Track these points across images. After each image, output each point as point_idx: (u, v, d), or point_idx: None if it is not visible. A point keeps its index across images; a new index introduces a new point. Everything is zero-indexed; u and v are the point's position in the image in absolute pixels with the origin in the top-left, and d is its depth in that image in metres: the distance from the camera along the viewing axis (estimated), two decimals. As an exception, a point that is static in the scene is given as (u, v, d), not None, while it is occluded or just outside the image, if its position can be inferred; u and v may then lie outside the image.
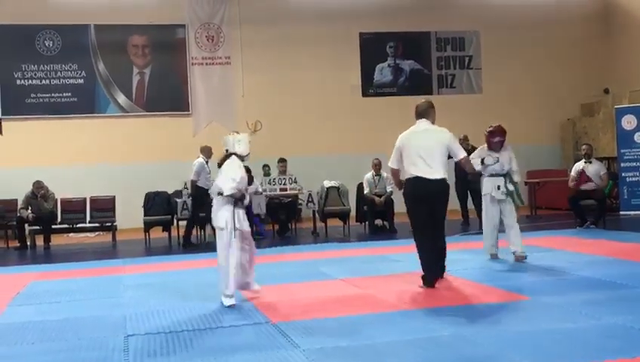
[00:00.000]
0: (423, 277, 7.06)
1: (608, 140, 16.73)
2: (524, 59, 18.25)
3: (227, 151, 7.00)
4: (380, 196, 13.18)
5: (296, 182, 13.50)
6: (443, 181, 7.07)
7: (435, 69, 18.26)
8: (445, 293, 6.79)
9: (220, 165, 7.00)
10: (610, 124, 16.32)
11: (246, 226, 6.77)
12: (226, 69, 17.12)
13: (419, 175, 7.01)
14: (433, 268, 7.07)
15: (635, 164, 14.69)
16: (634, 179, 14.63)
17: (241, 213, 6.73)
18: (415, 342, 5.03)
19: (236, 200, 6.64)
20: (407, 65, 18.18)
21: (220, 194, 6.66)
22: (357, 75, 17.81)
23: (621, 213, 14.45)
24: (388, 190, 13.20)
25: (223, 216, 6.63)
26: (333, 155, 15.60)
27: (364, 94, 17.87)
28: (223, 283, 6.61)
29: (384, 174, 13.33)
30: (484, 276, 7.59)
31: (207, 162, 12.38)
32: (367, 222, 13.49)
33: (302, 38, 17.18)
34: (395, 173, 7.51)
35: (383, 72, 18.05)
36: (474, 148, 13.87)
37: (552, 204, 15.93)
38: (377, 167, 13.35)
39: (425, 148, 7.05)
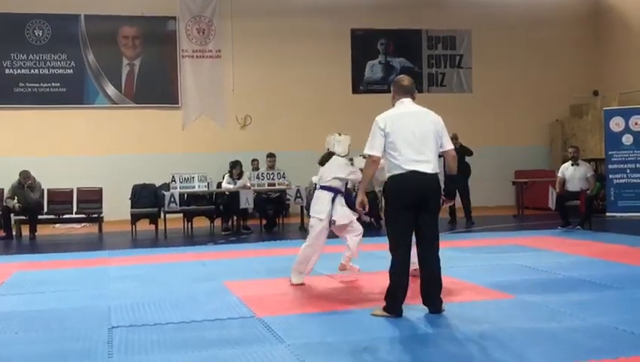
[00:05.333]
0: (389, 306, 5.65)
1: (596, 142, 16.81)
2: (515, 59, 18.29)
3: (328, 150, 7.64)
4: (366, 193, 13.16)
5: (284, 177, 13.50)
6: (437, 177, 5.67)
7: (426, 67, 18.28)
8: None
9: (321, 163, 7.64)
10: (598, 126, 16.39)
11: (344, 220, 7.33)
12: (216, 63, 17.07)
13: (411, 168, 5.53)
14: (404, 294, 5.67)
15: (622, 165, 14.76)
16: (621, 180, 14.70)
17: (338, 206, 7.28)
18: (399, 339, 5.04)
19: (336, 194, 7.28)
20: (398, 63, 18.18)
21: (323, 187, 7.38)
22: (348, 71, 17.81)
23: (607, 214, 14.51)
24: (376, 189, 13.20)
25: (322, 208, 7.28)
26: (322, 152, 15.53)
27: (355, 91, 17.86)
28: (301, 264, 7.28)
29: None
30: (470, 274, 7.60)
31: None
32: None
33: (293, 33, 17.15)
34: (376, 162, 5.74)
35: (373, 69, 18.05)
36: (462, 147, 13.99)
37: (539, 204, 16.00)
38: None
39: (417, 135, 5.60)
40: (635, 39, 17.19)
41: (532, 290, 6.65)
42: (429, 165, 5.59)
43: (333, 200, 7.28)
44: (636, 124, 14.78)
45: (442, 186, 5.97)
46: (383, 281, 7.29)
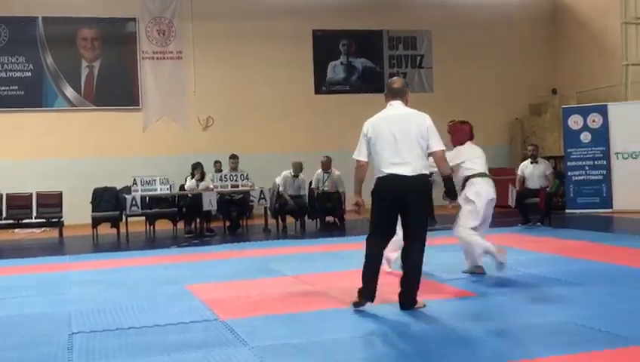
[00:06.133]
0: (360, 291, 5.91)
1: (555, 139, 17.06)
2: (474, 59, 18.46)
3: None
4: (329, 194, 13.26)
5: (247, 178, 13.45)
6: (421, 178, 5.75)
7: (387, 68, 18.36)
8: (392, 289, 6.80)
9: None
10: (557, 124, 16.64)
11: None
12: (177, 64, 16.94)
13: (390, 172, 5.71)
14: (374, 283, 5.86)
15: (581, 163, 15.05)
16: (580, 178, 14.98)
17: None
18: (364, 338, 5.05)
19: None
20: (360, 63, 18.24)
21: None
22: (310, 72, 17.81)
23: (567, 211, 14.76)
24: (340, 190, 13.28)
25: None
26: (285, 152, 15.55)
27: (317, 92, 17.88)
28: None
29: (336, 172, 13.40)
30: (432, 273, 7.64)
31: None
32: (318, 219, 13.54)
33: (254, 35, 17.09)
34: (363, 166, 5.93)
35: (335, 70, 18.08)
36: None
37: (500, 202, 16.12)
38: (326, 164, 13.41)
39: (399, 137, 5.73)
40: (591, 38, 17.49)
41: (493, 288, 6.73)
42: (407, 167, 5.70)
43: None
44: (594, 121, 15.08)
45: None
46: (347, 281, 7.33)
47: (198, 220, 13.20)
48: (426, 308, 5.83)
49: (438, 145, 5.84)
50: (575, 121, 15.28)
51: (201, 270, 8.68)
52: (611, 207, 14.60)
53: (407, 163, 5.70)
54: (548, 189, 12.35)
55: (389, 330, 5.25)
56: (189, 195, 13.16)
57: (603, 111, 15.00)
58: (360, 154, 5.92)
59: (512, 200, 12.51)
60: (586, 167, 15.00)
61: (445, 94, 18.24)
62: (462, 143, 7.67)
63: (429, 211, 6.05)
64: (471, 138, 7.76)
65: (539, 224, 12.20)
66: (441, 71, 18.42)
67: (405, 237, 5.89)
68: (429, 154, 5.86)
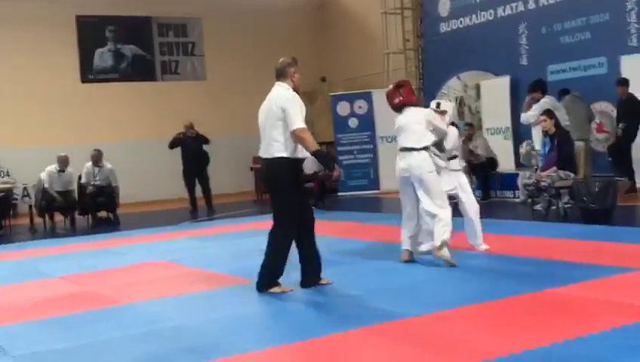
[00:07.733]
0: None
1: (326, 126, 17.68)
2: (246, 47, 18.57)
3: None
4: (101, 188, 12.64)
5: (8, 175, 12.51)
6: (274, 160, 5.69)
7: (158, 55, 17.95)
8: (168, 283, 6.67)
9: None
10: (327, 111, 17.26)
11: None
12: None
13: (260, 155, 5.94)
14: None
15: (350, 147, 15.76)
16: (349, 162, 15.68)
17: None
18: (137, 336, 4.83)
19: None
20: (129, 51, 17.65)
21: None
22: (75, 59, 16.91)
23: (339, 194, 15.39)
24: (112, 183, 12.75)
25: None
26: (51, 145, 14.61)
27: (84, 80, 17.02)
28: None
29: (108, 165, 12.84)
30: (209, 262, 7.61)
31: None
32: (89, 215, 12.92)
33: (13, 18, 15.85)
34: None
35: (103, 57, 17.34)
36: (199, 136, 13.93)
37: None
38: (96, 157, 12.77)
39: (263, 120, 5.84)
40: (356, 28, 18.33)
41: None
42: (265, 149, 5.75)
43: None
44: (360, 107, 15.86)
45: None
46: (120, 278, 7.08)
47: (-48, 223, 12.04)
48: (201, 299, 5.77)
49: (294, 123, 5.57)
50: (343, 108, 15.96)
51: (-44, 277, 7.90)
52: (379, 189, 15.45)
53: (265, 145, 5.76)
54: (320, 174, 12.75)
55: (164, 326, 5.06)
56: (-59, 196, 11.96)
57: (368, 97, 15.79)
58: None
59: None
60: (355, 152, 15.74)
61: (219, 82, 18.22)
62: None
63: (290, 196, 5.79)
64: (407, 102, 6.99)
65: (313, 207, 12.54)
66: (214, 58, 18.33)
67: None
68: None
